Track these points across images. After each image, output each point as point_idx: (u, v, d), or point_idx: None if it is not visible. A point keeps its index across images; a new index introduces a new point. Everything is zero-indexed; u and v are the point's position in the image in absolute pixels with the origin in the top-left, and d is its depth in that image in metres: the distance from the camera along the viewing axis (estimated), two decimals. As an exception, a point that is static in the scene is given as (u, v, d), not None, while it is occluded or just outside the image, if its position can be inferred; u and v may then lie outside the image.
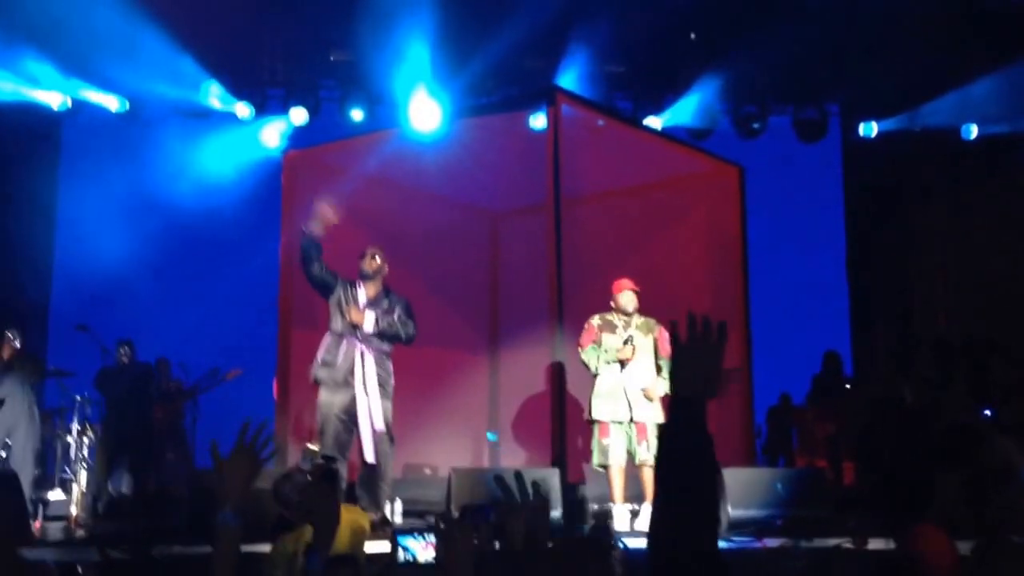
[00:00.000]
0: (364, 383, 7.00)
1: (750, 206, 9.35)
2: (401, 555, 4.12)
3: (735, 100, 11.68)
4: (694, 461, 1.95)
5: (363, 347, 7.07)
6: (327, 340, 7.20)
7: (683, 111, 11.46)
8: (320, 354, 7.16)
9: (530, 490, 2.41)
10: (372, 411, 6.97)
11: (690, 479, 1.94)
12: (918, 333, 10.87)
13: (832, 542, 6.27)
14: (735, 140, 11.59)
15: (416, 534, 4.13)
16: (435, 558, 3.69)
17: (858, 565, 5.75)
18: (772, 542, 6.44)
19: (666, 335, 7.27)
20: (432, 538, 3.98)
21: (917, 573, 3.15)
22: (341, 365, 7.03)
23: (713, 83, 11.16)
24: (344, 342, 7.09)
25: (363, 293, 7.24)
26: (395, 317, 7.17)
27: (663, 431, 2.05)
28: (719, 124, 11.71)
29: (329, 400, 7.03)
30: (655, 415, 7.27)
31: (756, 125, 11.71)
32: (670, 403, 2.07)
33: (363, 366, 7.03)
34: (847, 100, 11.89)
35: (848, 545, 6.21)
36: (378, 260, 7.31)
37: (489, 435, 9.89)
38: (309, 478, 6.06)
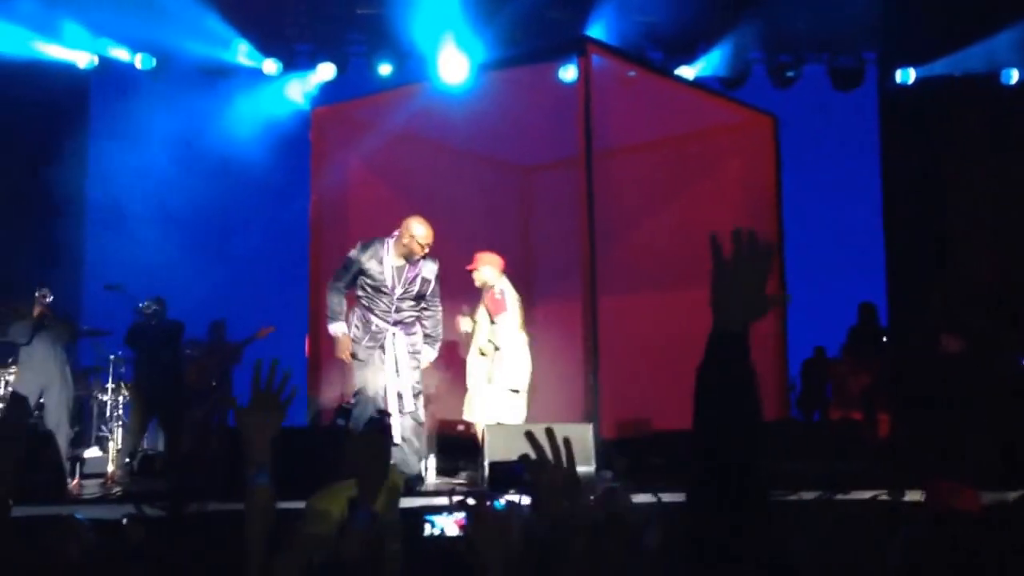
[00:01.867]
0: (396, 365, 6.88)
1: (784, 156, 9.24)
2: (427, 529, 4.06)
3: (769, 48, 11.46)
4: (734, 407, 1.72)
5: (393, 328, 6.91)
6: (355, 314, 7.00)
7: (716, 60, 11.27)
8: (351, 330, 6.96)
9: (561, 446, 2.35)
10: (402, 393, 6.87)
11: (729, 429, 1.72)
12: (957, 282, 10.69)
13: (868, 494, 6.22)
14: (769, 89, 11.41)
15: (446, 512, 4.08)
16: (463, 534, 3.58)
17: (894, 517, 5.69)
18: (808, 495, 6.40)
19: (492, 297, 7.74)
20: (461, 514, 3.91)
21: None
22: (370, 344, 6.89)
23: (746, 31, 10.96)
24: (372, 323, 6.89)
25: (390, 260, 6.88)
26: (432, 326, 7.11)
27: (699, 373, 1.75)
28: (752, 73, 11.51)
29: (362, 375, 6.90)
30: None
31: (790, 73, 11.51)
32: (709, 339, 1.78)
33: (394, 347, 6.89)
34: (883, 47, 11.63)
35: (884, 497, 6.15)
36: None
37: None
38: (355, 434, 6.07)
